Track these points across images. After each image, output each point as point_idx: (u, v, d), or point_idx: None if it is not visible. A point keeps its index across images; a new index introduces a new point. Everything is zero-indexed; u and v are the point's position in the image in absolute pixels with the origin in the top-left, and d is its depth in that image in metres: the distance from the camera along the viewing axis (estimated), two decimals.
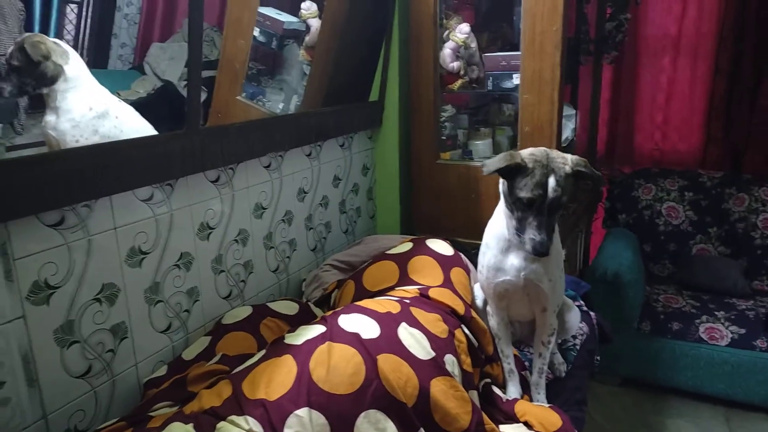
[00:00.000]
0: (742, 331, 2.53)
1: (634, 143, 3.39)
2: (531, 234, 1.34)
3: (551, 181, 1.31)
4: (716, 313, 2.67)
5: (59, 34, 1.60)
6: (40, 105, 1.29)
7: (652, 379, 2.68)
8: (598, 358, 2.02)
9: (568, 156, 1.39)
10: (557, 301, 1.56)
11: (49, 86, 1.26)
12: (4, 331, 1.08)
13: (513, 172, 1.34)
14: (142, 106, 1.46)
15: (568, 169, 1.34)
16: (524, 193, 1.32)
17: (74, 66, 1.28)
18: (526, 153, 1.37)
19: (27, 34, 1.29)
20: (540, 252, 1.34)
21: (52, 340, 1.17)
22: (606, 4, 2.94)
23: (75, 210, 1.20)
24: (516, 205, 1.36)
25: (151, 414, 1.20)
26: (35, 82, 1.27)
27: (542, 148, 1.39)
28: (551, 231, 1.36)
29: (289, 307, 1.64)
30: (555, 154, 1.37)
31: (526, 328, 1.73)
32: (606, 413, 2.56)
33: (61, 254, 1.17)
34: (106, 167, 1.20)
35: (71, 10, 1.63)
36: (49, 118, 1.28)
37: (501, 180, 1.42)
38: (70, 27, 1.62)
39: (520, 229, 1.38)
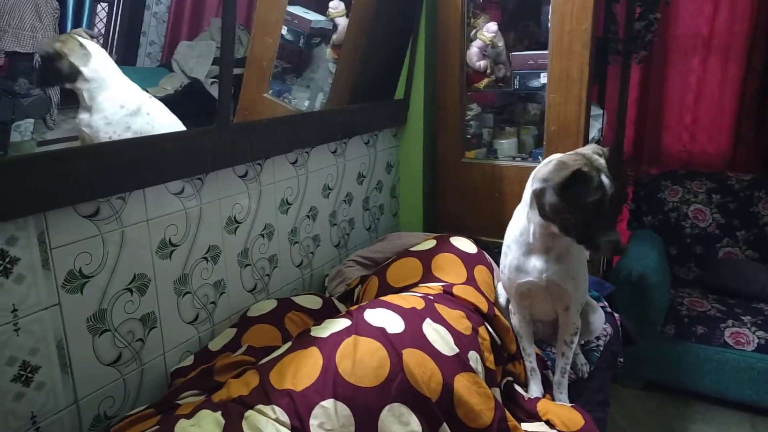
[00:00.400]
0: None
1: (662, 144, 3.33)
2: (606, 236, 1.30)
3: (605, 180, 1.30)
4: (742, 317, 2.62)
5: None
6: (72, 101, 1.33)
7: (675, 383, 2.63)
8: (622, 360, 2.00)
9: (588, 149, 1.40)
10: (581, 299, 1.55)
11: (69, 83, 1.29)
12: (40, 318, 1.11)
13: (568, 182, 1.30)
14: (169, 103, 1.49)
15: (605, 162, 1.34)
16: (591, 198, 1.28)
17: (96, 67, 1.30)
18: (569, 159, 1.35)
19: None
20: (622, 250, 1.32)
21: (85, 328, 1.21)
22: (635, 4, 2.90)
23: (110, 202, 1.23)
24: (576, 213, 1.31)
25: (178, 402, 1.23)
26: (53, 77, 1.31)
27: (573, 152, 1.39)
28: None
29: (313, 302, 1.66)
30: (587, 151, 1.38)
31: (548, 328, 1.72)
32: (628, 416, 2.53)
33: (95, 244, 1.21)
34: (141, 161, 1.23)
35: (102, 9, 1.67)
36: (83, 115, 1.31)
37: (532, 190, 1.38)
38: (100, 25, 1.66)
39: (584, 238, 1.33)
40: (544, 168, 1.37)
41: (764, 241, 2.94)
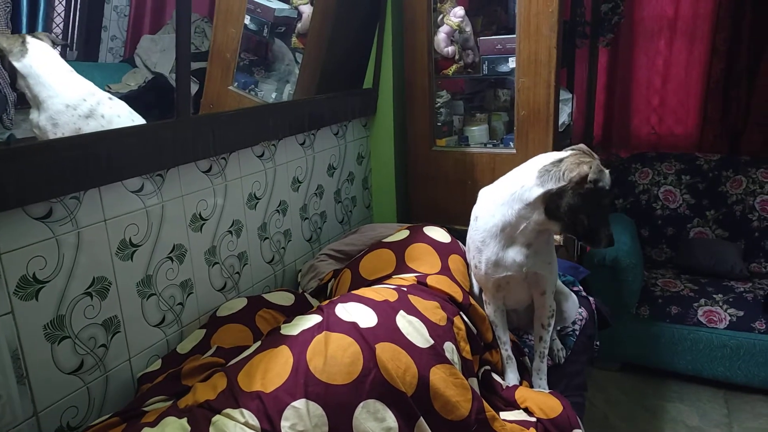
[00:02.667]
0: (741, 313, 2.52)
1: (631, 127, 3.36)
2: (607, 231, 1.35)
3: (608, 175, 1.33)
4: (714, 296, 2.66)
5: (48, 27, 1.57)
6: (28, 102, 1.27)
7: (651, 363, 2.67)
8: (598, 343, 2.01)
9: (581, 147, 1.43)
10: (555, 281, 1.56)
11: (15, 81, 1.24)
12: None
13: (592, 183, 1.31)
14: (133, 99, 1.43)
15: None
16: (608, 197, 1.34)
17: (31, 63, 1.24)
18: (581, 159, 1.35)
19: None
20: (613, 242, 1.37)
21: (42, 335, 1.15)
22: None
23: (63, 202, 1.17)
24: (592, 213, 1.32)
25: (145, 409, 1.18)
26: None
27: (574, 150, 1.40)
28: None
29: (285, 298, 1.62)
30: (585, 149, 1.40)
31: (523, 315, 1.71)
32: (606, 398, 2.56)
33: (49, 248, 1.15)
34: (95, 157, 1.17)
35: (59, 3, 1.60)
36: (32, 115, 1.25)
37: (545, 191, 1.34)
38: (58, 20, 1.59)
39: (590, 235, 1.36)
40: (555, 168, 1.34)
41: (733, 220, 2.99)
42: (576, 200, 1.31)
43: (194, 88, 1.60)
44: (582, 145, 1.44)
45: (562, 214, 1.34)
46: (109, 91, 1.39)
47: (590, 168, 1.30)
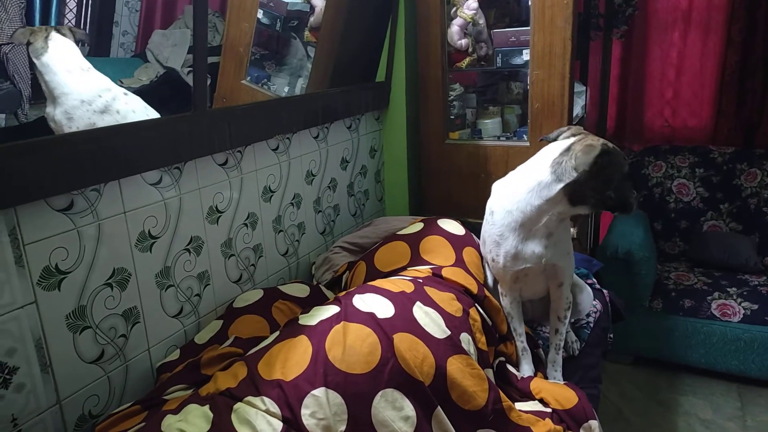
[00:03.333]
0: (755, 306, 2.50)
1: (644, 120, 3.33)
2: (633, 194, 1.40)
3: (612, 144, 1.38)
4: (728, 289, 2.64)
5: (59, 23, 1.58)
6: (43, 95, 1.28)
7: (665, 356, 2.66)
8: (611, 336, 2.01)
9: (575, 128, 1.46)
10: (572, 272, 1.56)
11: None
12: (16, 316, 1.07)
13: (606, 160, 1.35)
14: (145, 94, 1.44)
15: None
16: (625, 165, 1.38)
17: (48, 61, 1.25)
18: (590, 140, 1.37)
19: None
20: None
21: (65, 325, 1.17)
22: None
23: (84, 194, 1.18)
24: (616, 185, 1.36)
25: (165, 397, 1.20)
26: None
27: (579, 133, 1.42)
28: None
29: (300, 290, 1.63)
30: (581, 129, 1.43)
31: (538, 307, 1.71)
32: (620, 391, 2.55)
33: (71, 239, 1.16)
34: (114, 150, 1.18)
35: None
36: (49, 109, 1.27)
37: (570, 181, 1.35)
38: (70, 16, 1.60)
39: (622, 204, 1.39)
40: (566, 158, 1.35)
41: (747, 213, 2.97)
42: (598, 181, 1.33)
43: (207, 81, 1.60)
44: (575, 127, 1.47)
45: (588, 198, 1.37)
46: (121, 86, 1.40)
47: (599, 143, 1.32)
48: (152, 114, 1.40)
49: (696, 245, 2.99)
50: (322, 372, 1.10)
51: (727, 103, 3.10)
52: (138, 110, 1.38)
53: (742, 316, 2.50)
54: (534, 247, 1.45)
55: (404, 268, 1.62)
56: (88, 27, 1.65)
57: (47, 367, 1.13)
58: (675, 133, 3.28)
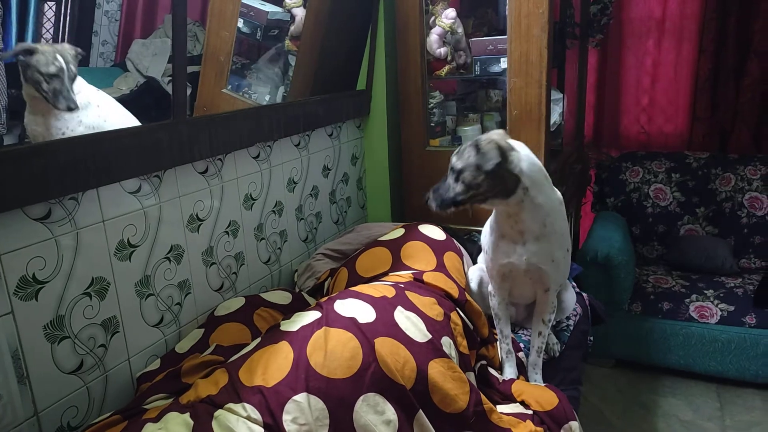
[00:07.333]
0: (731, 308, 2.55)
1: (621, 126, 3.40)
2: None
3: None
4: (705, 291, 2.70)
5: (37, 33, 1.57)
6: (20, 104, 1.26)
7: (644, 359, 2.70)
8: (591, 338, 2.03)
9: None
10: (560, 281, 1.56)
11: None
12: None
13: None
14: (125, 103, 1.44)
15: None
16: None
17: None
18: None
19: None
20: None
21: (42, 336, 1.15)
22: None
23: (61, 203, 1.17)
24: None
25: (145, 407, 1.19)
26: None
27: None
28: None
29: (282, 297, 1.63)
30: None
31: (523, 311, 1.73)
32: (601, 394, 2.58)
33: (48, 248, 1.15)
34: (92, 158, 1.18)
35: (49, 8, 1.59)
36: (27, 118, 1.25)
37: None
38: (48, 25, 1.59)
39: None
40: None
41: (723, 216, 3.03)
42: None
43: (187, 91, 1.61)
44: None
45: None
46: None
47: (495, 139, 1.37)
48: (124, 110, 1.40)
49: (673, 249, 3.05)
50: (303, 377, 1.11)
51: (701, 110, 3.17)
52: (112, 104, 1.39)
53: (719, 317, 2.55)
54: (513, 245, 1.47)
55: (386, 274, 1.63)
56: (66, 37, 1.65)
57: (24, 378, 1.12)
58: (651, 140, 3.34)
